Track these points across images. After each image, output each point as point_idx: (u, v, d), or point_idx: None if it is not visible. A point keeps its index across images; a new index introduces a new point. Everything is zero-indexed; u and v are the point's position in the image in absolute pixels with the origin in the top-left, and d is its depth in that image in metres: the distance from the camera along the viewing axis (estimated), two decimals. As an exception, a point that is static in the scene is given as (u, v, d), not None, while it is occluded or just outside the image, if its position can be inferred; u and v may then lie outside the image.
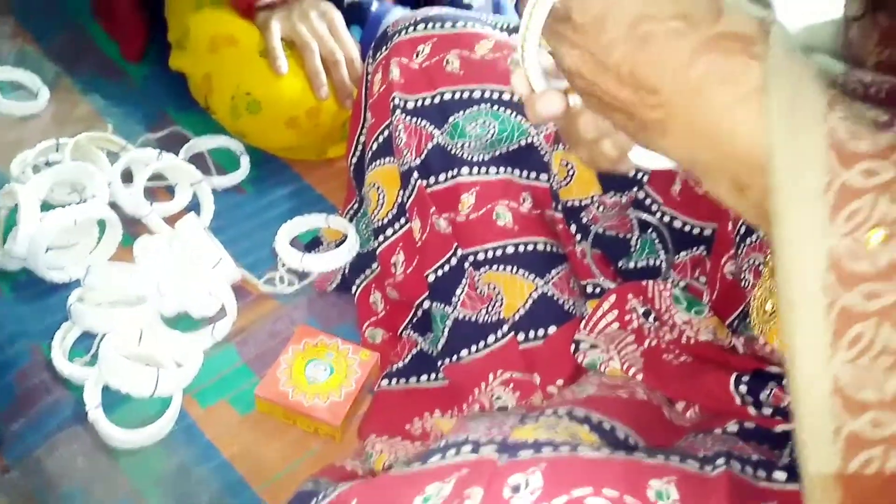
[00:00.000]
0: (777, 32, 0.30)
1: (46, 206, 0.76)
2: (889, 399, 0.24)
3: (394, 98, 0.70)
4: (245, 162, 0.87)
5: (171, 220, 0.78)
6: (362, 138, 0.81)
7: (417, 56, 0.71)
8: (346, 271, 0.77)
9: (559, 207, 0.68)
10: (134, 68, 1.00)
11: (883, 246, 0.25)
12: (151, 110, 0.94)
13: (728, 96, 0.29)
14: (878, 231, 0.25)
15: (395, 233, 0.71)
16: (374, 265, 0.75)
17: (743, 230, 0.57)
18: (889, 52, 0.41)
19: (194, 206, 0.82)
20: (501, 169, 0.68)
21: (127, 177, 0.81)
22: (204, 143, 0.88)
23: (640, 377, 0.56)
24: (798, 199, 0.26)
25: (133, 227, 0.78)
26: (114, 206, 0.77)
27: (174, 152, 0.85)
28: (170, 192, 0.84)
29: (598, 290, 0.67)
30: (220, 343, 0.70)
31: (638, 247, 0.67)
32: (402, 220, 0.71)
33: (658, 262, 0.67)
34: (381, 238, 0.72)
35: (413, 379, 0.68)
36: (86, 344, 0.68)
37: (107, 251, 0.76)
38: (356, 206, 0.82)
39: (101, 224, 0.76)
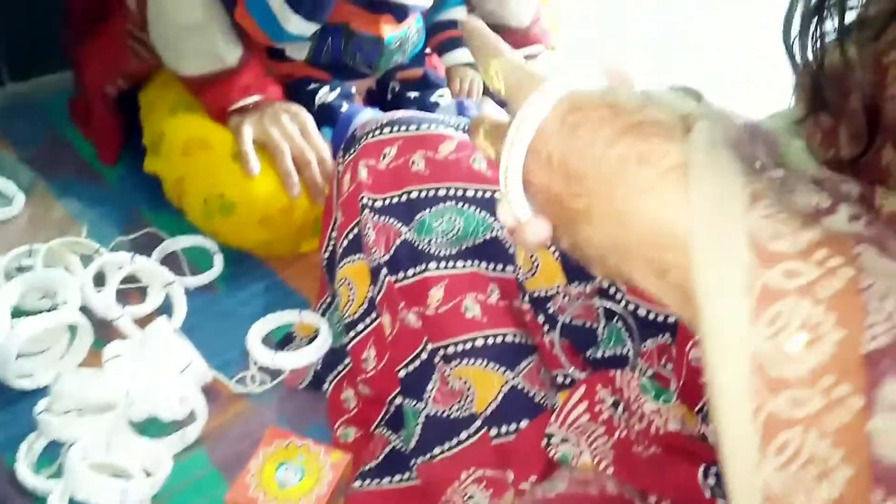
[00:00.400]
0: (702, 125, 0.30)
1: (18, 312, 0.76)
2: None
3: (362, 198, 0.72)
4: (219, 260, 0.88)
5: (143, 323, 0.78)
6: (333, 234, 0.82)
7: (384, 158, 0.74)
8: (319, 368, 0.77)
9: (526, 298, 0.69)
10: (109, 171, 1.03)
11: (806, 351, 0.24)
12: (126, 212, 0.96)
13: (646, 176, 0.29)
14: (800, 335, 0.24)
15: (365, 328, 0.72)
16: (347, 361, 0.75)
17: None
18: (833, 152, 0.43)
19: (167, 307, 0.83)
20: (469, 262, 0.70)
21: (100, 280, 0.81)
22: (177, 243, 0.89)
23: (610, 471, 0.55)
24: (720, 301, 0.26)
25: (105, 331, 0.78)
26: (85, 309, 0.77)
27: (148, 253, 0.86)
28: (143, 293, 0.84)
29: (568, 380, 0.67)
30: (190, 447, 0.69)
31: (605, 336, 0.68)
32: (373, 316, 0.71)
33: (625, 351, 0.68)
34: (352, 334, 0.72)
35: (386, 479, 0.67)
36: (53, 454, 0.67)
37: (77, 357, 0.76)
38: (329, 300, 0.82)
39: (73, 329, 0.76)
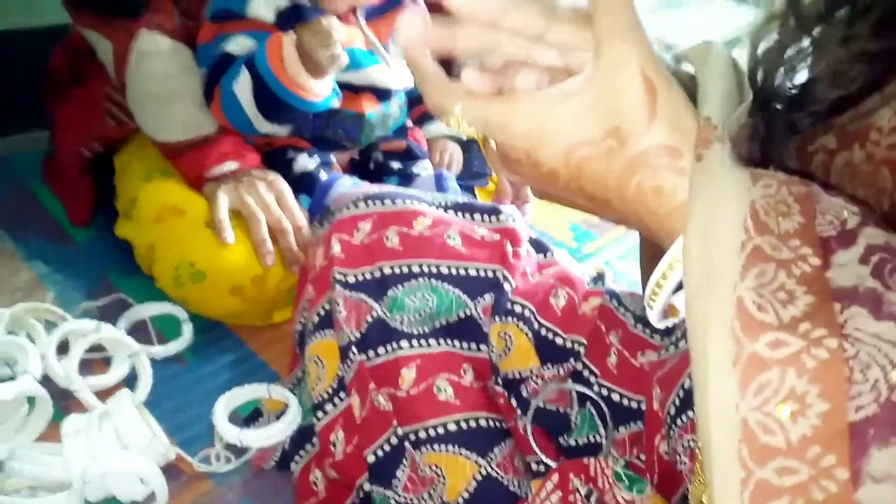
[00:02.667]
0: (716, 147, 0.31)
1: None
2: None
3: (334, 273, 0.71)
4: (188, 330, 0.86)
5: (105, 395, 0.76)
6: (307, 304, 0.81)
7: (358, 232, 0.73)
8: (287, 447, 0.74)
9: (499, 380, 0.68)
10: (79, 233, 1.01)
11: (792, 421, 0.25)
12: (94, 276, 0.94)
13: (662, 209, 0.32)
14: (786, 406, 0.25)
15: (334, 408, 0.70)
16: (315, 441, 0.73)
17: (673, 410, 0.57)
18: None
19: (131, 378, 0.80)
20: (441, 341, 0.69)
21: (64, 347, 0.79)
22: (146, 310, 0.87)
23: (583, 567, 0.54)
24: (710, 369, 0.26)
25: (66, 401, 0.75)
26: (47, 379, 0.75)
27: (115, 320, 0.84)
28: (108, 363, 0.82)
29: (542, 466, 0.66)
30: (147, 532, 0.66)
31: (578, 422, 0.67)
32: (342, 395, 0.70)
33: (598, 439, 0.67)
34: (319, 414, 0.70)
35: (351, 568, 0.64)
36: (-1, 538, 0.64)
37: (35, 429, 0.73)
38: (301, 374, 0.81)
39: (32, 400, 0.73)
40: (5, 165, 1.12)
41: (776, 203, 0.30)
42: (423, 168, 0.98)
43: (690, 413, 0.56)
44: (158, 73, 0.87)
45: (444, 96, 0.35)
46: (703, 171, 0.31)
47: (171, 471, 0.71)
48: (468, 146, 1.07)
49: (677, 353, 0.62)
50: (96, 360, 0.82)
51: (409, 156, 0.99)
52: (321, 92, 0.82)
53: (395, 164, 0.97)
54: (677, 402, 0.57)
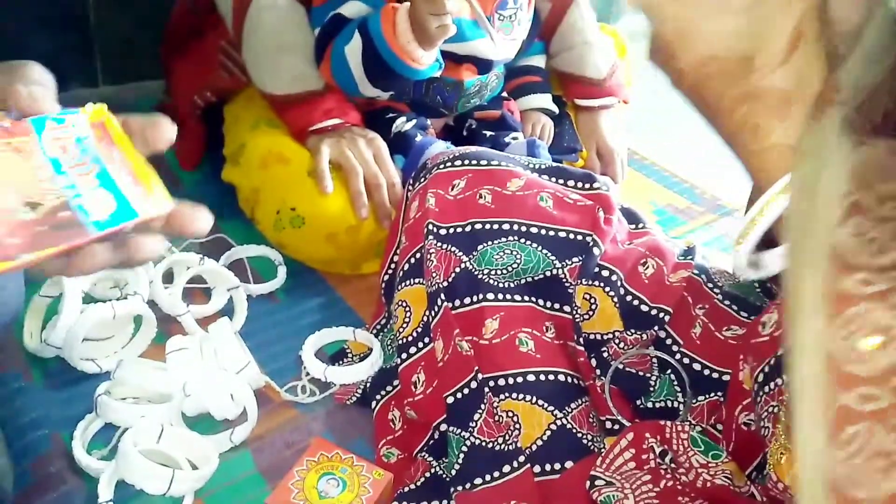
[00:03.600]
0: (832, 111, 0.32)
1: (88, 298, 0.80)
2: (881, 500, 0.25)
3: (428, 224, 0.74)
4: (282, 272, 0.91)
5: (204, 322, 0.81)
6: (395, 258, 0.84)
7: (453, 189, 0.76)
8: (368, 386, 0.78)
9: (581, 340, 0.69)
10: (187, 176, 1.08)
11: (878, 352, 0.26)
12: (199, 216, 1.00)
13: (753, 145, 0.34)
14: (871, 338, 0.26)
15: (418, 352, 0.73)
16: (396, 382, 0.76)
17: (761, 378, 0.58)
18: None
19: (228, 310, 0.85)
20: (526, 297, 0.71)
21: (168, 277, 0.85)
22: (245, 251, 0.92)
23: (654, 520, 0.55)
24: (802, 303, 0.28)
25: (167, 326, 0.81)
26: (151, 304, 0.80)
27: (216, 258, 0.89)
28: (206, 294, 0.87)
29: (616, 426, 0.67)
30: (236, 448, 0.70)
31: (657, 387, 0.68)
32: (426, 340, 0.73)
33: (676, 405, 0.68)
34: (403, 356, 0.73)
35: (424, 503, 0.67)
36: (106, 436, 0.69)
37: (139, 347, 0.78)
38: (384, 321, 0.84)
39: (137, 320, 0.79)
40: (123, 110, 1.20)
41: (881, 168, 0.31)
42: (514, 139, 1.00)
43: (778, 381, 0.56)
44: (274, 27, 0.91)
45: None
46: (815, 132, 0.32)
47: (260, 397, 0.75)
48: (560, 120, 1.08)
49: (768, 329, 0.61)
50: (196, 291, 0.87)
51: (502, 125, 1.01)
52: (427, 61, 0.85)
53: (488, 133, 0.99)
54: (767, 369, 0.57)
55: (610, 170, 1.07)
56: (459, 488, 0.64)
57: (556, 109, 1.08)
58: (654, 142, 1.36)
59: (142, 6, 1.21)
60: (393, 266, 0.84)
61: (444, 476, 0.67)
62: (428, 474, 0.69)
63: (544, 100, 1.07)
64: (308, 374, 0.79)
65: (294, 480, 0.66)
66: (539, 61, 1.10)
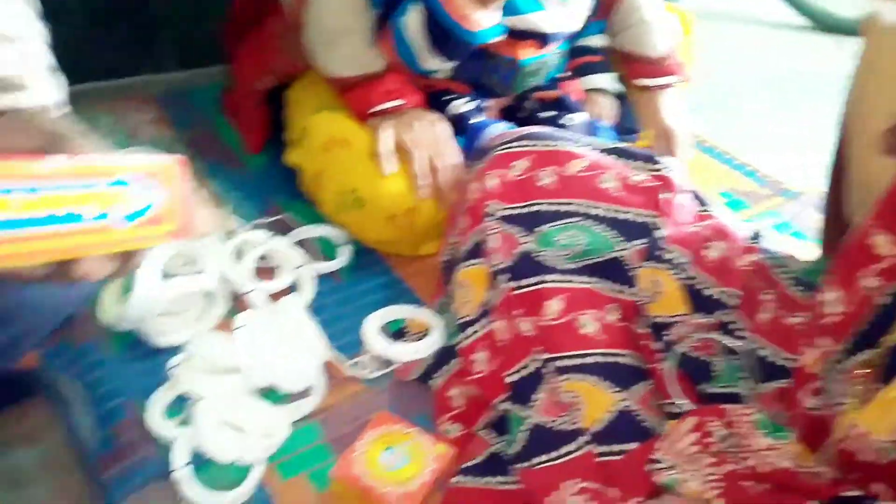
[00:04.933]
0: None
1: (161, 275, 0.83)
2: None
3: (487, 205, 0.74)
4: (345, 251, 0.93)
5: (272, 299, 0.84)
6: (454, 239, 0.85)
7: (513, 169, 0.76)
8: (429, 363, 0.79)
9: (644, 323, 0.69)
10: (251, 160, 1.11)
11: None
12: (264, 198, 1.02)
13: None
14: None
15: (478, 331, 0.74)
16: (455, 360, 0.77)
17: (836, 357, 0.56)
18: None
19: (294, 288, 0.88)
20: (588, 279, 0.71)
21: (237, 255, 0.88)
22: (309, 231, 0.94)
23: (717, 502, 0.55)
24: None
25: (236, 302, 0.84)
26: (222, 280, 0.83)
27: (282, 235, 0.92)
28: (273, 272, 0.90)
29: (678, 410, 0.67)
30: (304, 419, 0.73)
31: (721, 372, 0.67)
32: (487, 319, 0.73)
33: (740, 391, 0.67)
34: (464, 335, 0.74)
35: (486, 478, 0.68)
36: (180, 406, 0.73)
37: (211, 321, 0.81)
38: (444, 301, 0.85)
39: (209, 296, 0.82)
40: (192, 94, 1.24)
41: None
42: (573, 120, 0.99)
43: (853, 359, 0.54)
44: (335, 10, 0.92)
45: None
46: None
47: (326, 371, 0.77)
48: (621, 101, 1.07)
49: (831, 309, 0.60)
50: (264, 269, 0.90)
51: (561, 106, 1.00)
52: (486, 23, 0.84)
53: (547, 114, 0.99)
54: (841, 348, 0.56)
55: (671, 150, 1.05)
56: (521, 466, 0.65)
57: (617, 89, 1.06)
58: (716, 123, 1.33)
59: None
60: (452, 247, 0.85)
61: (505, 453, 0.68)
62: (489, 451, 0.70)
63: (605, 80, 1.06)
64: (371, 350, 0.80)
65: (358, 452, 0.68)
66: (599, 41, 1.08)
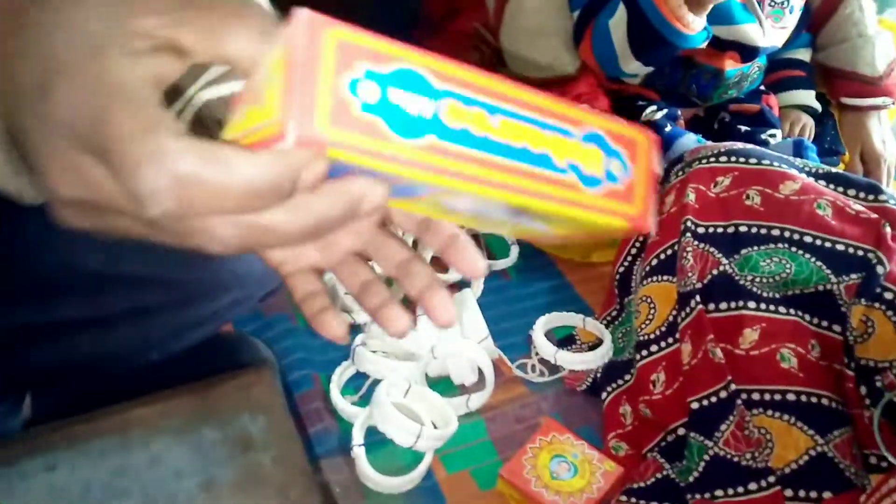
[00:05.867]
0: None
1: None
2: None
3: (686, 221, 0.71)
4: (514, 251, 0.93)
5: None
6: (634, 250, 0.83)
7: (716, 186, 0.72)
8: (598, 376, 0.78)
9: (851, 364, 0.64)
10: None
11: None
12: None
13: None
14: None
15: (660, 350, 0.71)
16: (627, 376, 0.75)
17: None
18: None
19: (465, 282, 0.89)
20: (792, 310, 0.66)
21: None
22: (482, 226, 0.95)
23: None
24: None
25: (410, 289, 0.86)
26: (399, 267, 0.86)
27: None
28: (445, 266, 0.91)
29: (883, 463, 0.61)
30: (471, 414, 0.74)
31: (938, 428, 0.61)
32: (670, 340, 0.71)
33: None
34: (643, 353, 0.72)
35: (654, 503, 0.66)
36: (357, 383, 0.76)
37: (388, 305, 0.84)
38: (615, 313, 0.83)
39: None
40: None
41: None
42: (772, 136, 0.93)
43: None
44: (536, 10, 0.92)
45: None
46: None
47: (493, 369, 0.78)
48: (822, 120, 1.00)
49: None
50: (436, 260, 0.91)
51: (759, 121, 0.95)
52: (697, 26, 0.81)
53: (743, 127, 0.94)
54: None
55: (875, 177, 0.97)
56: (698, 496, 0.62)
57: (818, 107, 0.99)
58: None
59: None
60: (629, 258, 0.83)
61: (678, 480, 0.66)
62: (659, 475, 0.67)
63: (807, 96, 0.99)
64: (538, 354, 0.80)
65: (527, 456, 0.68)
66: (804, 55, 1.02)
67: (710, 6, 0.80)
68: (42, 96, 0.21)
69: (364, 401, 0.73)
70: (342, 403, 0.73)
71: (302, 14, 0.21)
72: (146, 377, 0.61)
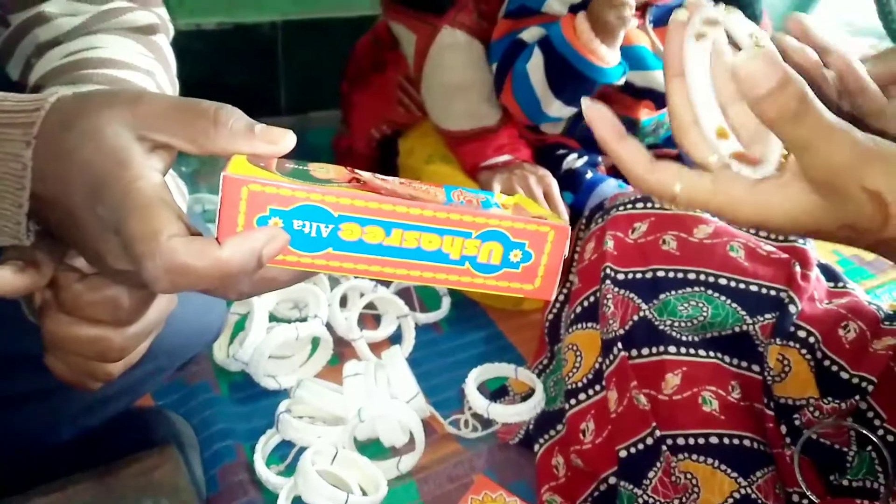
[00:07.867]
0: None
1: (270, 318, 0.85)
2: None
3: (605, 268, 0.72)
4: (446, 303, 0.93)
5: (374, 347, 0.84)
6: (561, 297, 0.83)
7: (633, 232, 0.74)
8: (530, 427, 0.77)
9: (770, 404, 0.65)
10: (359, 204, 1.13)
11: None
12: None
13: None
14: None
15: (588, 398, 0.71)
16: (560, 426, 0.74)
17: None
18: None
19: (396, 337, 0.88)
20: (711, 353, 0.67)
21: (342, 302, 0.89)
22: (412, 279, 0.95)
23: None
24: None
25: (340, 348, 0.85)
26: (328, 326, 0.84)
27: (386, 284, 0.92)
28: (376, 321, 0.90)
29: (804, 500, 0.62)
30: (403, 476, 0.72)
31: (854, 463, 0.62)
32: (598, 388, 0.71)
33: (876, 486, 0.61)
34: (572, 401, 0.72)
35: (590, 556, 0.65)
36: (283, 452, 0.73)
37: (316, 367, 0.82)
38: (546, 361, 0.83)
39: (315, 341, 0.83)
40: (302, 137, 1.28)
41: None
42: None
43: None
44: (453, 66, 0.94)
45: (662, 174, 0.34)
46: None
47: (424, 427, 0.76)
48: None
49: None
50: (367, 316, 0.90)
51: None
52: (611, 59, 0.83)
53: (662, 172, 0.96)
54: None
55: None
56: (630, 548, 0.62)
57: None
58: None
59: (327, 40, 1.29)
60: (558, 305, 0.83)
61: (612, 532, 0.65)
62: (593, 527, 0.67)
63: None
64: (471, 408, 0.79)
65: (459, 518, 0.66)
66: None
67: (621, 37, 0.82)
68: (96, 201, 0.30)
69: (290, 470, 0.71)
70: (266, 474, 0.70)
71: (226, 176, 0.29)
72: (55, 457, 0.57)
